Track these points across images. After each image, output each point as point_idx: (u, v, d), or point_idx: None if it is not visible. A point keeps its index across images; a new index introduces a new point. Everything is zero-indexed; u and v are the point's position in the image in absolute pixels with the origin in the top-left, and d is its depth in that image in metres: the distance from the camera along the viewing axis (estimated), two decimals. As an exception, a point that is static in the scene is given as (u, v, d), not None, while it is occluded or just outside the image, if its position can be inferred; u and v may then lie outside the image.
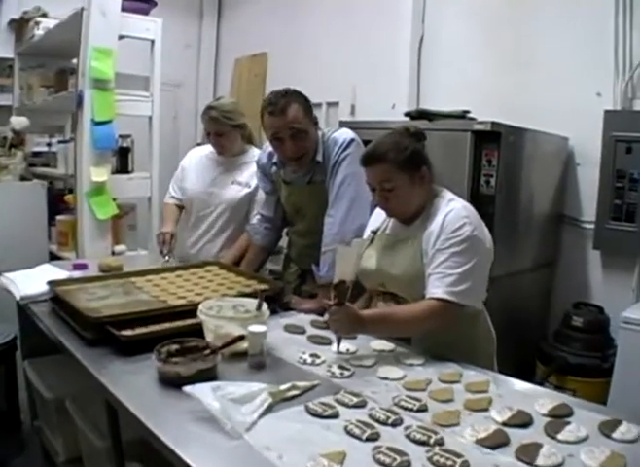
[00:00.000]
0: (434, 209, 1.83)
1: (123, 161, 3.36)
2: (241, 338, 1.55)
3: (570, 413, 1.37)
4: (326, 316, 1.94)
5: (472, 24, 3.61)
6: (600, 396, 2.70)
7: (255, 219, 2.61)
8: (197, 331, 1.70)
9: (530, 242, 3.12)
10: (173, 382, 1.44)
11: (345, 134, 2.25)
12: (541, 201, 3.13)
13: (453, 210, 1.79)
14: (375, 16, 4.04)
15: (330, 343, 1.78)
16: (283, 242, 2.69)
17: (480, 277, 1.78)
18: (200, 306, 1.72)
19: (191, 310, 1.82)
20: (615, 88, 2.99)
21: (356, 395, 1.41)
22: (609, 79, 3.01)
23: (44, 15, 3.90)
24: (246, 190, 2.71)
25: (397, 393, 1.45)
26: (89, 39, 3.05)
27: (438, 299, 1.70)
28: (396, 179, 1.78)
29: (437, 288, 1.71)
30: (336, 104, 4.25)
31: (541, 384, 2.74)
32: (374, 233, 1.99)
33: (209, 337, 1.66)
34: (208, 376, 1.46)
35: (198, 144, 5.39)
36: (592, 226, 3.11)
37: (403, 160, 1.77)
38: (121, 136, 3.30)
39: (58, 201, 3.77)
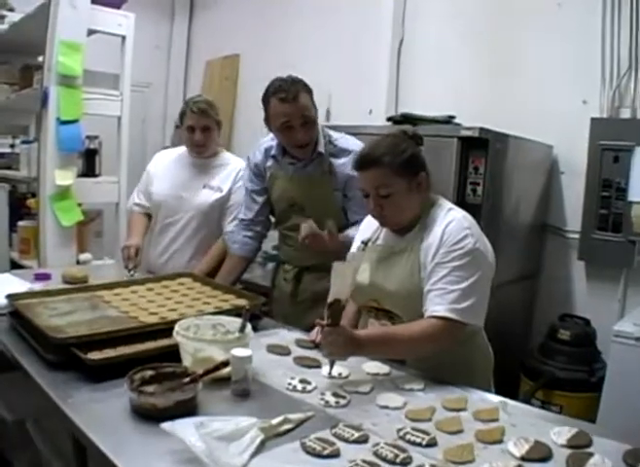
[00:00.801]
0: (431, 219, 1.70)
1: (89, 164, 3.16)
2: (225, 364, 1.38)
3: (590, 443, 1.27)
4: (312, 334, 1.83)
5: (454, 29, 3.51)
6: (588, 411, 2.63)
7: (232, 226, 2.47)
8: (173, 353, 1.53)
9: (514, 253, 3.02)
10: (149, 415, 1.27)
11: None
12: (525, 211, 3.05)
13: (454, 221, 1.66)
14: (353, 18, 3.93)
15: (319, 366, 1.64)
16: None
17: (483, 293, 1.65)
18: (177, 327, 1.55)
19: (164, 329, 1.66)
20: (601, 95, 2.94)
21: (356, 428, 1.26)
22: (595, 86, 2.96)
23: (10, 9, 3.66)
24: (218, 194, 2.57)
25: (400, 424, 1.31)
26: (57, 32, 2.85)
27: (440, 317, 1.57)
28: (392, 185, 1.65)
29: (438, 305, 1.58)
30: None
31: (528, 401, 2.65)
32: (365, 243, 1.84)
33: (187, 361, 1.49)
34: (188, 407, 1.30)
35: (166, 148, 5.23)
36: (577, 236, 3.05)
37: (400, 164, 1.64)
38: (87, 137, 3.10)
39: (20, 206, 3.55)
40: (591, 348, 2.82)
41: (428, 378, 1.58)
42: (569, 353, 2.78)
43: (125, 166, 3.26)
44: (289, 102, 2.05)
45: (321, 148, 2.21)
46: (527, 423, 1.36)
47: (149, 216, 2.72)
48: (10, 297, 1.91)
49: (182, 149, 2.69)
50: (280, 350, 1.74)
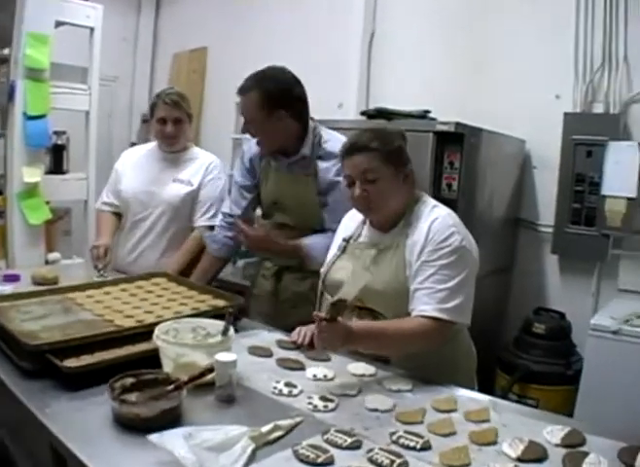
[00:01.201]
0: (416, 216, 1.68)
1: (56, 161, 3.04)
2: (210, 371, 1.33)
3: (583, 441, 1.27)
4: (294, 335, 1.79)
5: (426, 23, 3.50)
6: (565, 404, 2.66)
7: (214, 222, 2.44)
8: (152, 358, 1.47)
9: (488, 247, 2.99)
10: (132, 425, 1.21)
11: None
12: (498, 205, 3.06)
13: (439, 218, 1.65)
14: (323, 10, 3.89)
15: (302, 368, 1.60)
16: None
17: (470, 291, 1.64)
18: (156, 331, 1.49)
19: (142, 333, 1.61)
20: (574, 90, 2.96)
21: (348, 434, 1.23)
22: (568, 81, 2.98)
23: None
24: (188, 188, 2.51)
25: (392, 428, 1.28)
26: (24, 24, 2.73)
27: (428, 317, 1.55)
28: (380, 170, 1.62)
29: (426, 305, 1.56)
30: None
31: (505, 395, 2.66)
32: (347, 241, 1.81)
33: (168, 366, 1.44)
34: (172, 416, 1.25)
35: (133, 144, 5.09)
36: (550, 230, 3.07)
37: (388, 151, 1.63)
38: (55, 133, 2.97)
39: None
40: (567, 342, 2.86)
41: (414, 378, 1.56)
42: (545, 347, 2.82)
43: (94, 163, 3.15)
44: (240, 94, 2.05)
45: (306, 150, 2.12)
46: (518, 423, 1.35)
47: (118, 215, 2.64)
48: (-21, 300, 1.82)
49: (151, 144, 2.63)
50: (262, 352, 1.69)
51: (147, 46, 5.09)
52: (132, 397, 1.29)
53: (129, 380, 1.33)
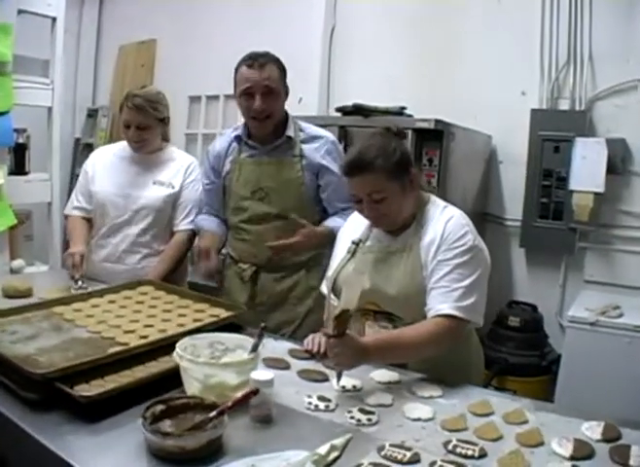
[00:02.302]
0: (427, 217, 1.68)
1: (18, 161, 2.79)
2: (255, 393, 1.24)
3: (620, 434, 1.30)
4: (307, 344, 1.72)
5: (388, 18, 3.47)
6: (541, 394, 2.72)
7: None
8: (169, 378, 1.38)
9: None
10: (174, 458, 1.11)
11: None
12: (466, 201, 3.08)
13: (453, 217, 1.65)
14: (282, 3, 3.77)
15: (327, 379, 1.54)
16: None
17: (483, 290, 1.65)
18: (178, 349, 1.37)
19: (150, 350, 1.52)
20: (540, 87, 3.02)
21: (404, 448, 1.18)
22: (534, 78, 3.04)
23: None
24: (170, 190, 2.39)
25: (442, 437, 1.26)
26: None
27: (444, 315, 1.54)
28: (387, 189, 1.59)
29: (442, 303, 1.56)
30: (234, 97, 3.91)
31: (484, 388, 2.70)
32: (357, 244, 1.76)
33: (193, 388, 1.33)
34: (216, 445, 1.16)
35: (77, 140, 4.81)
36: (517, 224, 3.14)
37: (393, 166, 1.58)
38: (15, 130, 2.72)
39: None
40: (540, 333, 2.93)
41: (440, 382, 1.54)
42: (520, 339, 2.88)
43: (58, 162, 2.92)
44: (254, 68, 2.03)
45: (290, 132, 2.14)
46: (553, 421, 1.36)
47: (89, 221, 2.47)
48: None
49: (122, 144, 2.47)
50: (278, 364, 1.61)
51: (91, 37, 4.80)
52: (166, 426, 1.19)
53: (159, 408, 1.22)
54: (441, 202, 1.73)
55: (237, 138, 2.21)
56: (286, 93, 2.14)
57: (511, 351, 2.85)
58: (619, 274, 2.94)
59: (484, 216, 3.27)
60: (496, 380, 2.84)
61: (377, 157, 1.56)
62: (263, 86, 2.02)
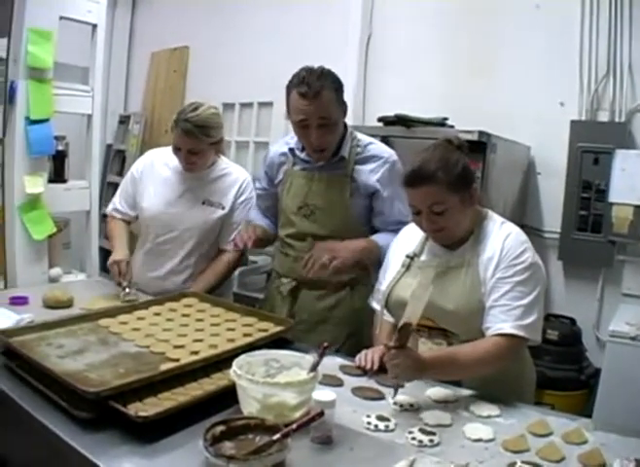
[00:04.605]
0: (485, 232, 1.66)
1: (57, 168, 2.77)
2: (321, 415, 1.22)
3: None
4: (359, 360, 1.70)
5: (424, 26, 3.46)
6: (578, 409, 2.68)
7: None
8: (222, 396, 1.38)
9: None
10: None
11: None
12: (505, 213, 3.02)
13: (511, 234, 1.63)
14: (317, 12, 3.78)
15: (382, 398, 1.52)
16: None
17: (542, 308, 1.62)
18: (235, 368, 1.35)
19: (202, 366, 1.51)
20: (579, 98, 2.99)
21: (471, 471, 1.17)
22: (573, 89, 3.00)
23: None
24: (220, 212, 2.31)
25: (506, 459, 1.24)
26: (25, 19, 2.47)
27: (505, 335, 1.52)
28: (447, 201, 1.57)
29: (503, 322, 1.53)
30: (269, 104, 3.92)
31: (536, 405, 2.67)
32: (411, 258, 1.74)
33: (251, 407, 1.31)
34: (280, 467, 1.14)
35: (109, 146, 4.84)
36: (555, 236, 3.10)
37: (454, 179, 1.57)
38: (55, 138, 2.71)
39: None
40: (579, 347, 2.89)
41: (496, 401, 1.52)
42: (558, 353, 2.84)
43: (97, 170, 2.91)
44: (309, 99, 1.88)
45: (344, 152, 2.04)
46: (613, 441, 1.35)
47: (129, 223, 2.44)
48: (2, 333, 1.61)
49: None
50: (332, 381, 1.59)
51: (122, 44, 4.83)
52: (227, 448, 1.15)
53: (219, 429, 1.18)
54: (498, 218, 1.71)
55: (291, 150, 2.14)
56: (344, 112, 2.03)
57: (549, 365, 2.82)
58: (657, 288, 2.89)
59: (522, 228, 3.17)
60: (534, 394, 2.81)
61: (439, 168, 1.55)
62: (318, 118, 1.91)
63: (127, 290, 2.17)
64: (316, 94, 1.88)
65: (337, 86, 1.96)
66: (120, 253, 2.26)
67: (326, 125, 1.94)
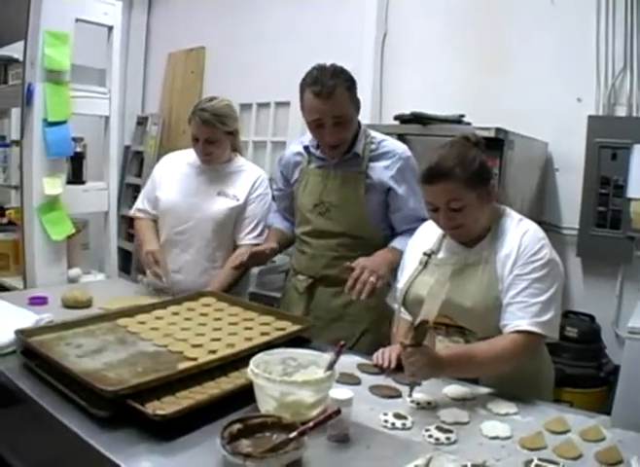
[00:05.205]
0: (502, 229, 1.65)
1: (76, 170, 2.81)
2: (338, 413, 1.23)
3: None
4: (376, 358, 1.71)
5: (440, 23, 3.43)
6: (597, 406, 2.65)
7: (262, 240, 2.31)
8: (239, 394, 1.39)
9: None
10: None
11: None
12: (522, 209, 3.01)
13: (529, 231, 1.63)
14: (333, 11, 3.78)
15: (399, 396, 1.52)
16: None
17: (559, 305, 1.61)
18: (252, 367, 1.37)
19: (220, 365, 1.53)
20: (597, 93, 2.95)
21: (486, 468, 1.17)
22: (590, 84, 2.96)
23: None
24: (234, 203, 2.35)
25: (523, 457, 1.24)
26: (42, 22, 2.49)
27: (523, 332, 1.52)
28: (464, 198, 1.56)
29: (521, 319, 1.53)
30: (286, 104, 3.92)
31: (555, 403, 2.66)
32: (428, 255, 1.74)
33: (269, 405, 1.32)
34: (296, 466, 1.14)
35: (127, 147, 4.88)
36: (573, 232, 3.06)
37: (472, 175, 1.56)
38: (73, 139, 2.75)
39: None
40: (598, 344, 2.86)
41: (513, 399, 1.52)
42: (577, 350, 2.80)
43: (115, 172, 2.94)
44: (322, 98, 1.89)
45: (358, 149, 2.06)
46: (631, 438, 1.35)
47: (156, 221, 2.48)
48: (21, 333, 1.64)
49: (191, 151, 2.43)
50: (349, 379, 1.59)
51: (139, 45, 4.87)
52: (244, 446, 1.16)
53: (236, 427, 1.19)
54: (516, 215, 1.70)
55: (306, 149, 2.16)
56: (357, 109, 2.04)
57: (567, 362, 2.78)
58: (676, 284, 2.85)
59: (540, 225, 3.14)
60: (553, 392, 2.79)
61: (457, 165, 1.55)
62: (333, 116, 1.93)
63: (164, 279, 2.22)
64: (330, 94, 1.89)
65: (349, 83, 1.96)
66: (151, 244, 2.34)
67: (340, 124, 1.96)
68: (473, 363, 1.51)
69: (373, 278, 1.82)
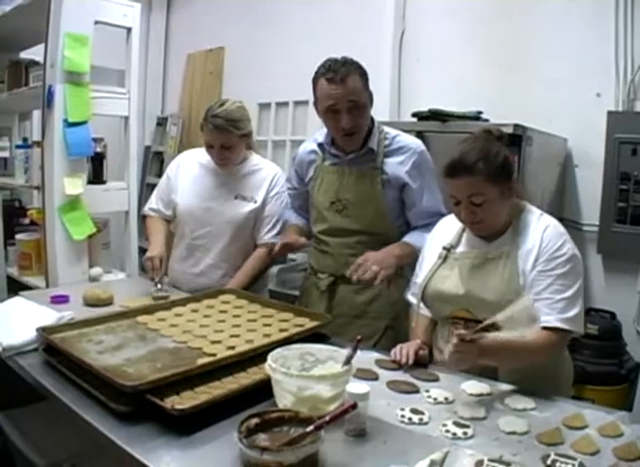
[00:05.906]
0: (523, 224, 1.66)
1: (96, 170, 2.84)
2: (354, 407, 1.24)
3: None
4: (394, 354, 1.70)
5: (457, 20, 3.43)
6: (618, 403, 2.63)
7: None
8: (257, 389, 1.40)
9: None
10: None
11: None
12: (542, 206, 2.98)
13: (550, 226, 1.63)
14: (350, 9, 3.79)
15: (417, 391, 1.53)
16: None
17: (582, 300, 1.61)
18: (270, 361, 1.38)
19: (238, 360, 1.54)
20: (616, 89, 2.92)
21: (503, 462, 1.16)
22: (609, 80, 2.94)
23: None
24: (252, 205, 2.34)
25: (540, 452, 1.24)
26: (62, 24, 2.52)
27: (550, 328, 1.52)
28: (487, 192, 1.57)
29: (548, 316, 1.54)
30: (305, 103, 3.94)
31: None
32: (448, 250, 1.74)
33: (286, 400, 1.34)
34: (312, 459, 1.15)
35: (147, 148, 4.94)
36: (594, 229, 3.04)
37: (494, 170, 1.56)
38: (93, 140, 2.77)
39: (14, 217, 3.24)
40: (619, 341, 2.83)
41: (531, 394, 1.51)
42: (598, 347, 2.79)
43: (136, 171, 2.98)
44: (336, 83, 1.92)
45: (373, 144, 2.06)
46: None
47: (167, 221, 2.49)
48: (43, 330, 1.67)
49: (205, 151, 2.41)
50: (366, 375, 1.60)
51: (158, 45, 4.91)
52: (261, 440, 1.17)
53: (253, 421, 1.20)
54: (536, 211, 1.70)
55: (320, 146, 2.17)
56: (371, 100, 2.05)
57: (588, 360, 2.77)
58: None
59: (560, 221, 3.12)
60: (574, 389, 2.76)
61: (480, 159, 1.55)
62: (347, 101, 1.93)
63: (159, 286, 2.22)
64: (343, 79, 1.91)
65: (362, 72, 1.99)
66: (154, 250, 2.31)
67: (355, 108, 1.96)
68: (508, 350, 1.50)
69: (375, 267, 1.84)
